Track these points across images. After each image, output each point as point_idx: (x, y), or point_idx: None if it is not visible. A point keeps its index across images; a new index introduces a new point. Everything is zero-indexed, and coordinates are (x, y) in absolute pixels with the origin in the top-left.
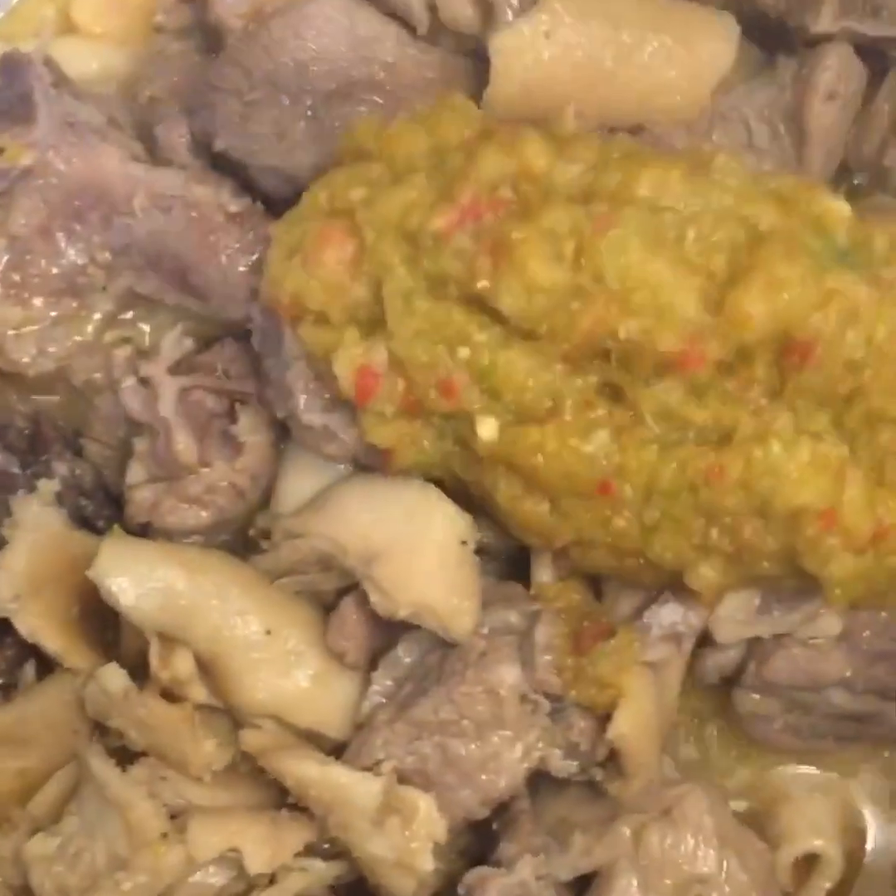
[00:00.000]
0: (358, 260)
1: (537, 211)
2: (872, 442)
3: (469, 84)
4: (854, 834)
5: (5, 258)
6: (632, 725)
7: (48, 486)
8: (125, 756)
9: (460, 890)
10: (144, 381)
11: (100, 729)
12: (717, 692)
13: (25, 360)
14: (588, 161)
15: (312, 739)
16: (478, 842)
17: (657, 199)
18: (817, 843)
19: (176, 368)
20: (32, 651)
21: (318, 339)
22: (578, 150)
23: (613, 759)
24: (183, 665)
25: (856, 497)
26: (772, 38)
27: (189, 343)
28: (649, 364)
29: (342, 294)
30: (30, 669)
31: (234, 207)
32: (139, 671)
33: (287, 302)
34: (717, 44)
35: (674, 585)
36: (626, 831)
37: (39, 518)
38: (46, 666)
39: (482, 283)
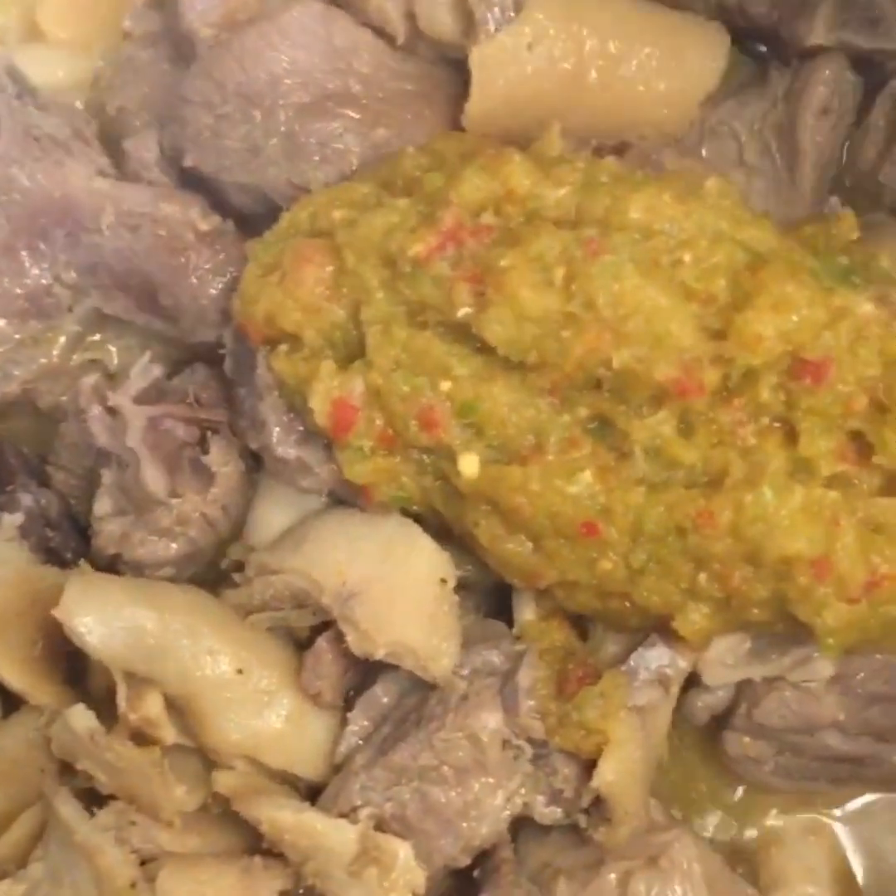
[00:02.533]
0: (337, 282)
1: (525, 237)
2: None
3: (448, 95)
4: (846, 879)
5: None
6: (618, 772)
7: (11, 521)
8: (93, 797)
9: None
10: (112, 411)
11: (67, 768)
12: (706, 732)
13: None
14: (575, 184)
15: (286, 780)
16: (458, 889)
17: (649, 222)
18: (810, 891)
19: (144, 396)
20: None
21: (292, 369)
22: (564, 173)
23: (599, 805)
24: (152, 707)
25: (849, 545)
26: (763, 49)
27: (158, 370)
28: (644, 394)
29: (319, 317)
30: None
31: (204, 226)
32: (107, 708)
33: (261, 321)
34: (707, 55)
35: (660, 627)
36: (612, 878)
37: (1, 554)
38: (11, 702)
39: (463, 312)
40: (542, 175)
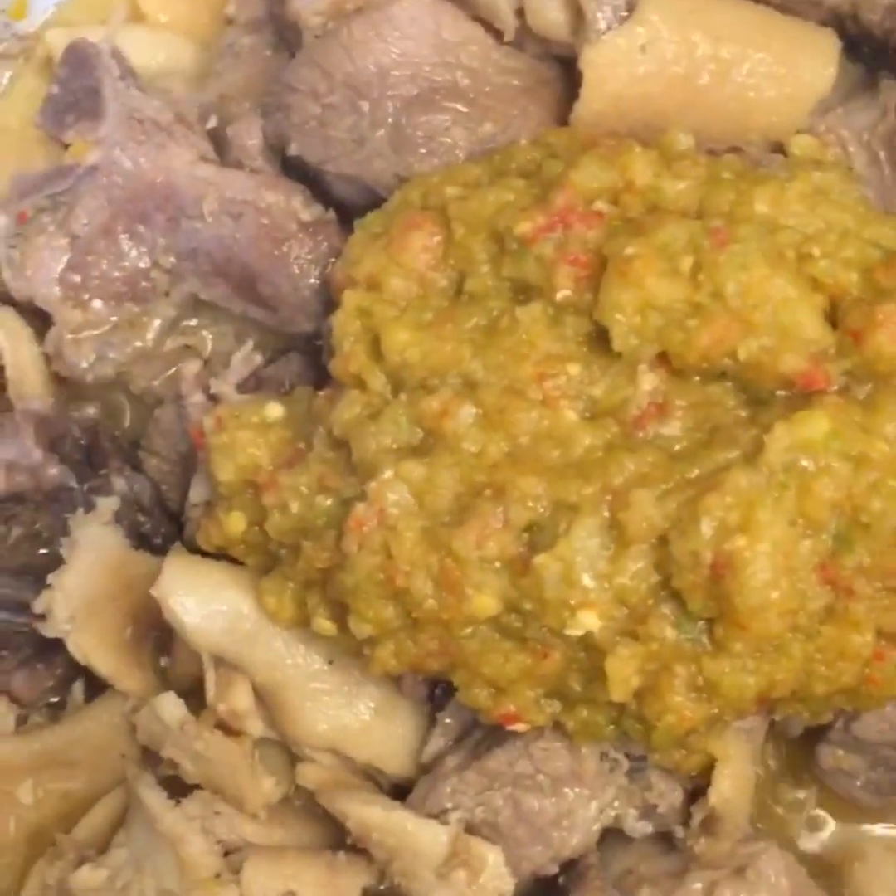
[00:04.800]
0: (444, 253)
1: (650, 226)
2: None
3: (555, 93)
4: None
5: (65, 258)
6: (733, 788)
7: (107, 505)
8: (175, 786)
9: None
10: (213, 398)
11: (148, 755)
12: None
13: (83, 365)
14: (697, 178)
15: (370, 777)
16: (540, 891)
17: (775, 217)
18: None
19: (244, 384)
20: (82, 670)
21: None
22: (686, 167)
23: (705, 820)
24: (241, 698)
25: None
26: (875, 57)
27: (259, 358)
28: (770, 386)
29: (420, 283)
30: (79, 689)
31: (307, 216)
32: (191, 697)
33: (361, 282)
34: (819, 61)
35: None
36: (698, 887)
37: (98, 538)
38: (96, 686)
39: (562, 294)
40: (663, 167)
